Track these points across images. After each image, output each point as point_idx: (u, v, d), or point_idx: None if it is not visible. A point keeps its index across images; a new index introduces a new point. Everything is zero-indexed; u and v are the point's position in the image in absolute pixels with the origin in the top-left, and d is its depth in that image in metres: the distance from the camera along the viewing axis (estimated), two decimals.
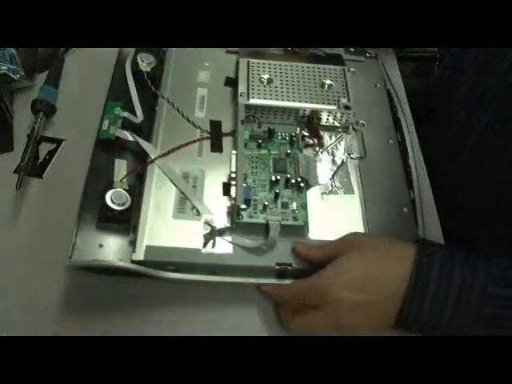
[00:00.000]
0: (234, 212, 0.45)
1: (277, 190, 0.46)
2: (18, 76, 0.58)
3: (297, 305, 0.43)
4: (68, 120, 0.57)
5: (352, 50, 0.63)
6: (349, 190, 0.50)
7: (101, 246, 0.44)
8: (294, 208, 0.46)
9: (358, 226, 0.47)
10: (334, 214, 0.48)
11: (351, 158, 0.52)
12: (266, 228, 0.45)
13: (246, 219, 0.45)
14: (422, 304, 0.38)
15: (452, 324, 0.38)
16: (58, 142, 0.56)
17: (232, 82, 0.56)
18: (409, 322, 0.39)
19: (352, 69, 0.60)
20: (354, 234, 0.44)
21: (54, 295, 0.44)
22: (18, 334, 0.42)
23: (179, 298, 0.45)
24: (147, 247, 0.43)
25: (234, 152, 0.49)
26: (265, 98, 0.52)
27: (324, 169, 0.51)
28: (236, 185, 0.46)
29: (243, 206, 0.45)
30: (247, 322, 0.45)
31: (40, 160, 0.54)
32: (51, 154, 0.55)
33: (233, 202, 0.46)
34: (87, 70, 0.62)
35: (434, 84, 0.67)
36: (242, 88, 0.53)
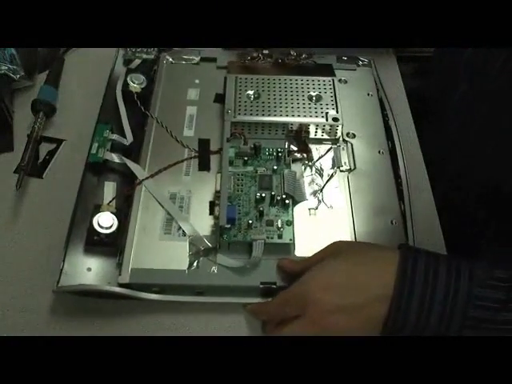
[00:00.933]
0: (217, 231, 0.45)
1: (261, 208, 0.46)
2: (18, 76, 0.59)
3: (281, 318, 0.42)
4: (68, 120, 0.59)
5: (344, 58, 0.62)
6: (337, 205, 0.49)
7: (89, 269, 0.45)
8: (279, 225, 0.46)
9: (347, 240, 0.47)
10: (321, 230, 0.47)
11: (340, 171, 0.52)
12: (250, 247, 0.45)
13: (229, 239, 0.45)
14: (408, 310, 0.37)
15: (439, 329, 0.37)
16: (58, 142, 0.57)
17: (221, 99, 0.56)
18: (396, 328, 0.38)
19: (344, 78, 0.60)
20: (338, 241, 0.44)
21: (52, 296, 0.45)
22: (15, 335, 0.43)
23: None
24: (132, 270, 0.44)
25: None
26: (251, 114, 0.52)
27: (312, 183, 0.51)
28: (219, 204, 0.46)
29: (227, 226, 0.45)
30: (236, 325, 0.45)
31: (40, 160, 0.55)
32: (51, 154, 0.56)
33: (217, 221, 0.46)
34: (87, 70, 0.64)
35: (431, 85, 0.66)
36: (228, 105, 0.53)
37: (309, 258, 0.44)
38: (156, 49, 0.61)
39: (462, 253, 0.41)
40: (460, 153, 0.56)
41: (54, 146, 0.56)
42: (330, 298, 0.39)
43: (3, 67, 0.58)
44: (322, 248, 0.44)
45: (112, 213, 0.47)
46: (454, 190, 0.56)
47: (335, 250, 0.42)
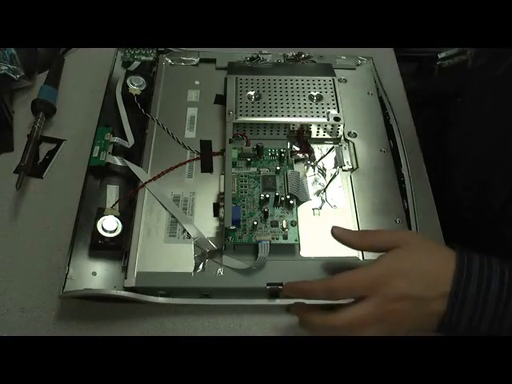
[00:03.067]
0: (222, 233, 0.45)
1: (265, 209, 0.46)
2: (18, 76, 0.59)
3: (334, 301, 0.40)
4: (68, 120, 0.59)
5: (343, 57, 0.62)
6: (340, 204, 0.49)
7: (94, 273, 0.45)
8: (284, 226, 0.46)
9: None
10: (325, 230, 0.47)
11: (343, 170, 0.52)
12: (256, 248, 0.45)
13: (234, 240, 0.45)
14: (463, 308, 0.37)
15: (491, 330, 0.38)
16: (58, 142, 0.57)
17: (222, 100, 0.56)
18: (450, 326, 0.38)
19: (343, 77, 0.60)
20: (408, 231, 0.44)
21: (52, 296, 0.45)
22: (17, 335, 0.43)
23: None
24: (138, 273, 0.44)
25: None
26: (253, 115, 0.52)
27: (315, 183, 0.51)
28: (224, 206, 0.46)
29: (232, 227, 0.45)
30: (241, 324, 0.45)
31: (40, 160, 0.55)
32: (51, 154, 0.56)
33: (222, 223, 0.46)
34: (87, 70, 0.64)
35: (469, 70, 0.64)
36: (229, 106, 0.53)
37: (374, 234, 0.43)
38: (155, 50, 0.61)
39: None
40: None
41: (54, 146, 0.56)
42: (402, 284, 0.38)
43: (3, 67, 0.58)
44: (326, 249, 0.44)
45: (116, 216, 0.47)
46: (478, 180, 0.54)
47: (409, 240, 0.41)
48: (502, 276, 0.37)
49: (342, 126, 0.53)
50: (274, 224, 0.46)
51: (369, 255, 0.45)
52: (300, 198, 0.48)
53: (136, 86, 0.57)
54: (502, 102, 0.50)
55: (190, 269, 0.44)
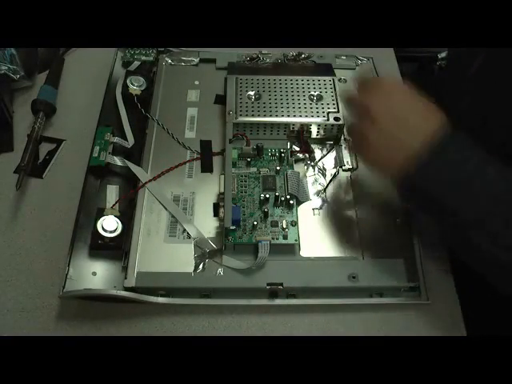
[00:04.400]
0: (222, 233, 0.45)
1: (265, 209, 0.46)
2: (18, 76, 0.59)
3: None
4: (68, 120, 0.59)
5: (343, 57, 0.62)
6: (341, 204, 0.49)
7: (94, 273, 0.45)
8: (284, 226, 0.46)
9: (351, 240, 0.47)
10: (325, 229, 0.47)
11: (343, 170, 0.52)
12: (256, 248, 0.45)
13: (234, 240, 0.45)
14: (439, 169, 0.37)
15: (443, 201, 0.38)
16: (58, 142, 0.56)
17: (222, 100, 0.56)
18: (409, 184, 0.38)
19: (343, 77, 0.60)
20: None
21: (52, 296, 0.45)
22: (17, 335, 0.43)
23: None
24: (138, 273, 0.44)
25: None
26: (253, 115, 0.52)
27: (315, 183, 0.51)
28: (224, 206, 0.46)
29: (232, 227, 0.45)
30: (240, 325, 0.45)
31: (40, 160, 0.55)
32: (51, 154, 0.55)
33: (222, 223, 0.46)
34: (87, 70, 0.64)
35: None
36: (229, 106, 0.53)
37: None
38: (155, 50, 0.61)
39: None
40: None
41: (54, 145, 0.56)
42: (390, 114, 0.40)
43: (3, 67, 0.58)
44: (326, 249, 0.44)
45: (116, 216, 0.47)
46: None
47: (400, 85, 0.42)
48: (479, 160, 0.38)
49: (341, 125, 0.53)
50: (274, 224, 0.46)
51: (369, 256, 0.46)
52: (300, 198, 0.48)
53: (136, 86, 0.57)
54: (477, 102, 0.50)
55: (190, 269, 0.44)
